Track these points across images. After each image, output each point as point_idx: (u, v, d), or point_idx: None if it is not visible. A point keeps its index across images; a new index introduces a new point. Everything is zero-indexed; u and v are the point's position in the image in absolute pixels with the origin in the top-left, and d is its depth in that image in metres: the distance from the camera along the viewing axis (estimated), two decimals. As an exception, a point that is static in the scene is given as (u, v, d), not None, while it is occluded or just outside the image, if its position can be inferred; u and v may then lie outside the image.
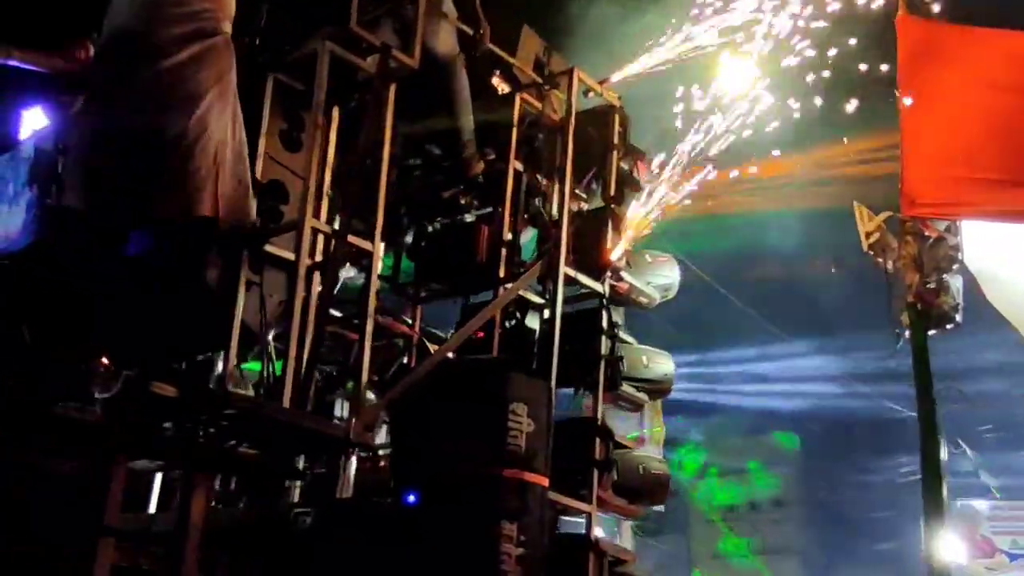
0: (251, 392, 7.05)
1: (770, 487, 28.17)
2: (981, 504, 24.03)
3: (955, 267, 9.76)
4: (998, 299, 9.92)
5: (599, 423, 8.00)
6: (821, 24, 9.58)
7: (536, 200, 8.49)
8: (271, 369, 6.93)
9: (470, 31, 8.06)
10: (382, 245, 8.54)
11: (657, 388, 8.70)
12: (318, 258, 7.20)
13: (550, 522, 7.74)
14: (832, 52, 9.79)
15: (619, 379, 8.22)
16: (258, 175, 7.00)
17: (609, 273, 8.34)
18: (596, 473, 7.88)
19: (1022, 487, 24.38)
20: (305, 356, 6.67)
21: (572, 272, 8.15)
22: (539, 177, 8.46)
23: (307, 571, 6.84)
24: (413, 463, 7.05)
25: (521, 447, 6.95)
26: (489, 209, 8.44)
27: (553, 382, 7.64)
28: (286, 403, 6.35)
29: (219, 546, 7.06)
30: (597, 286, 8.32)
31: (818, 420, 26.14)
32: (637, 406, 8.66)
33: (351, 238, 6.99)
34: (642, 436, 22.63)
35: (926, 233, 9.69)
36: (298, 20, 7.33)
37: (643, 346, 8.73)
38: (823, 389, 25.16)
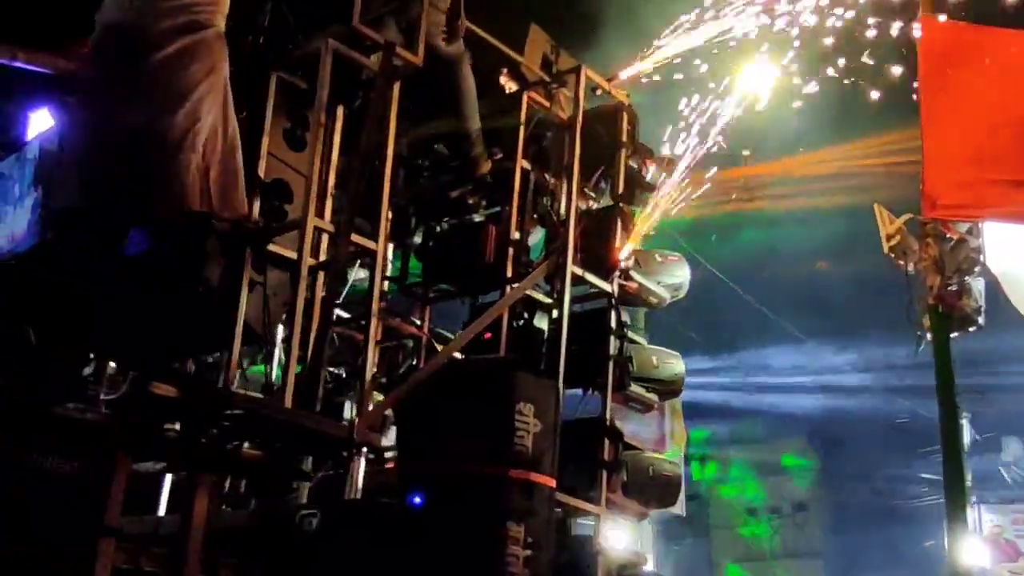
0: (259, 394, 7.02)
1: (792, 490, 28.02)
2: (1005, 507, 23.76)
3: (977, 269, 9.69)
4: (1021, 302, 9.85)
5: (608, 424, 7.91)
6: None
7: (545, 199, 8.41)
8: (272, 370, 6.85)
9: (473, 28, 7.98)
10: (389, 245, 8.57)
11: (668, 389, 8.61)
12: (323, 258, 7.16)
13: (560, 524, 7.70)
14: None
15: (628, 379, 8.13)
16: (261, 174, 6.97)
17: (618, 272, 8.25)
18: (605, 474, 7.78)
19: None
20: (309, 356, 6.62)
21: (580, 271, 8.08)
22: (547, 176, 8.38)
23: (312, 572, 6.80)
24: (419, 463, 6.98)
25: (528, 447, 6.87)
26: (497, 209, 8.37)
27: (561, 382, 7.56)
28: (288, 403, 6.29)
29: (225, 547, 7.04)
30: (605, 285, 8.25)
31: (840, 423, 25.95)
32: (647, 407, 8.56)
33: (355, 237, 6.93)
34: (663, 439, 22.58)
35: (948, 235, 9.62)
36: (302, 18, 7.29)
37: (653, 346, 8.64)
38: (845, 391, 25.00)
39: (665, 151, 8.86)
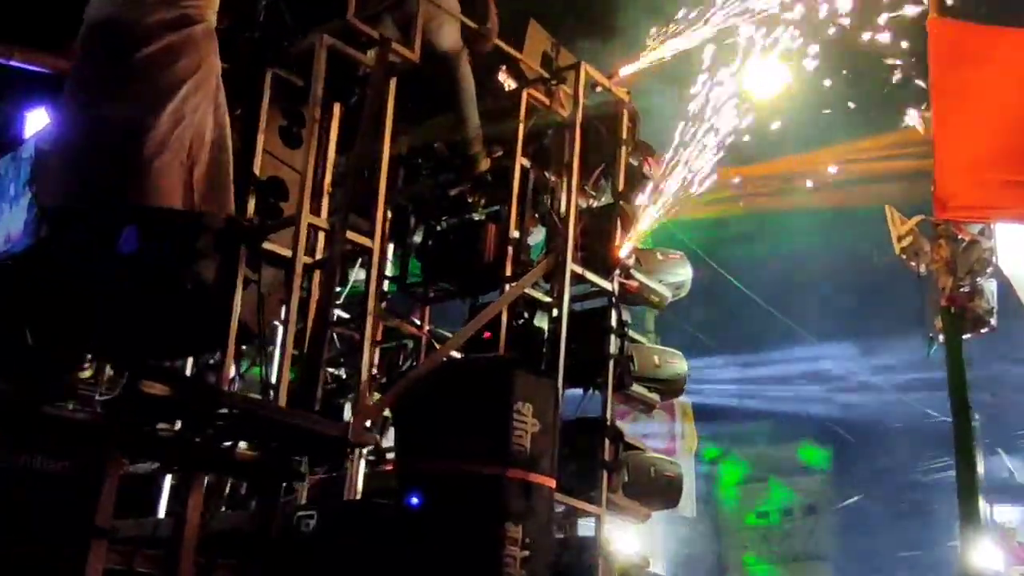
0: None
1: (802, 494, 27.88)
2: (1017, 510, 23.58)
3: (989, 270, 9.65)
4: (1034, 303, 9.82)
5: (609, 423, 7.83)
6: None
7: (545, 198, 8.35)
8: (273, 371, 6.78)
9: (475, 26, 7.91)
10: (388, 244, 8.52)
11: (670, 388, 8.52)
12: (320, 256, 7.10)
13: (560, 525, 7.63)
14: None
15: (629, 379, 8.06)
16: (257, 171, 6.92)
17: (618, 271, 8.17)
18: (605, 475, 7.70)
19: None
20: (306, 356, 6.56)
21: (580, 270, 8.01)
22: (547, 174, 8.31)
23: (310, 573, 6.74)
24: (416, 463, 6.92)
25: (526, 447, 6.81)
26: (497, 208, 8.31)
27: (560, 381, 7.49)
28: (282, 402, 6.23)
29: (223, 548, 6.98)
30: (606, 284, 8.17)
31: (850, 426, 25.83)
32: (649, 406, 8.48)
33: (351, 235, 6.87)
34: (674, 442, 22.50)
35: (959, 236, 9.58)
36: (298, 15, 7.23)
37: (655, 345, 8.57)
38: (856, 393, 24.89)
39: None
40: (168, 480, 7.84)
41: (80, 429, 5.96)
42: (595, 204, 8.52)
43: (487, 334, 7.91)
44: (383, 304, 8.54)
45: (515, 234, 8.02)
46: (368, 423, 7.92)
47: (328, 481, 7.93)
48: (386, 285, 8.63)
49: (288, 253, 6.72)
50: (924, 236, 9.83)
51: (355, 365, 7.69)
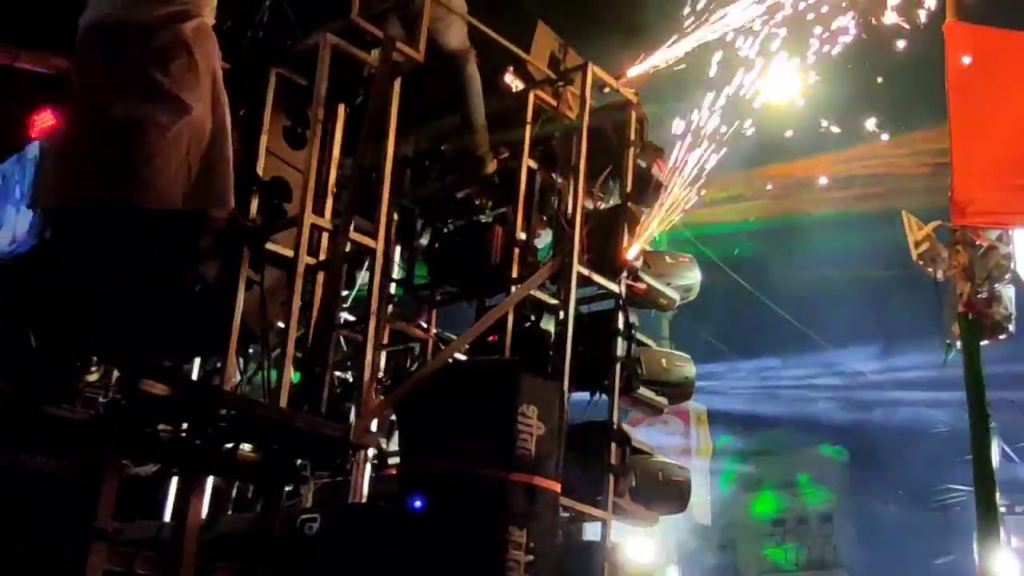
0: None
1: (818, 501, 27.75)
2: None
3: (1007, 276, 9.57)
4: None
5: (615, 427, 7.75)
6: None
7: (552, 200, 8.28)
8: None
9: (482, 26, 7.86)
10: (395, 247, 8.47)
11: (677, 392, 8.43)
12: (323, 257, 7.05)
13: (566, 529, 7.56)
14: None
15: (636, 382, 7.97)
16: (260, 172, 6.89)
17: (626, 273, 8.09)
18: (612, 479, 7.62)
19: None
20: (308, 357, 6.51)
21: (586, 272, 7.93)
22: (554, 176, 8.24)
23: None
24: (419, 465, 6.86)
25: (530, 451, 6.75)
26: (504, 210, 8.24)
27: (566, 384, 7.42)
28: (283, 403, 6.17)
29: (226, 552, 6.94)
30: (613, 286, 8.09)
31: (866, 432, 25.71)
32: (656, 410, 8.40)
33: (354, 235, 6.83)
34: (688, 450, 22.38)
35: (977, 242, 9.51)
36: (302, 15, 7.20)
37: (663, 348, 8.49)
38: (872, 400, 24.76)
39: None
40: (174, 483, 7.81)
41: (80, 429, 5.93)
42: (603, 206, 8.44)
43: (493, 337, 7.84)
44: (390, 307, 8.50)
45: (522, 236, 7.95)
46: (374, 426, 7.93)
47: (333, 485, 7.88)
48: (393, 288, 8.57)
49: (289, 253, 6.67)
50: (941, 242, 9.75)
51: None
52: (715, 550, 26.45)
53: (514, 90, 8.38)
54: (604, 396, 7.98)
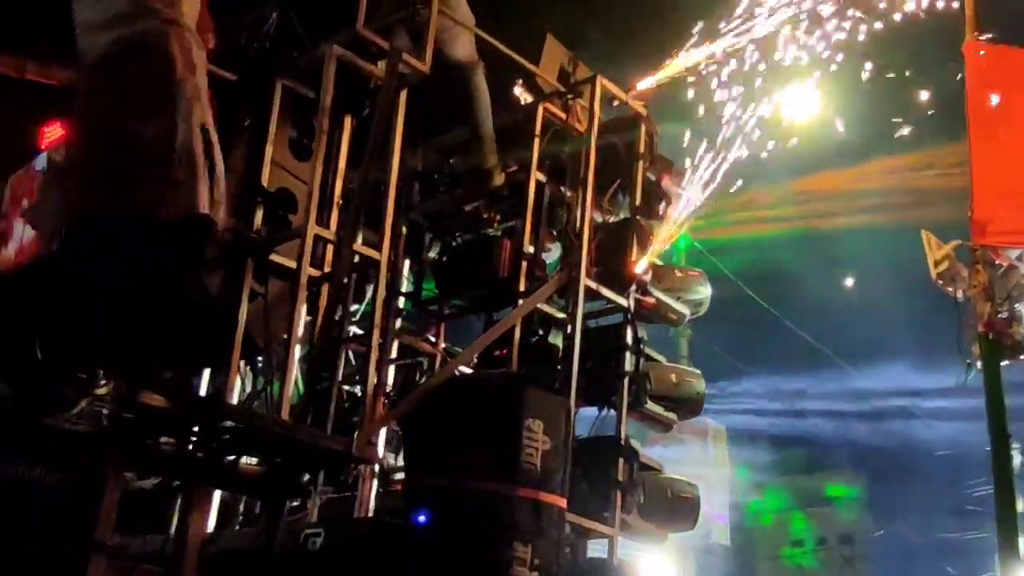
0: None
1: (839, 521, 27.53)
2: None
3: (1029, 296, 9.48)
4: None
5: (624, 442, 7.67)
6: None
7: (561, 213, 8.23)
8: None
9: (489, 38, 7.83)
10: (404, 260, 8.43)
11: (687, 408, 8.34)
12: (328, 269, 7.01)
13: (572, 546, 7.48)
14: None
15: (645, 397, 7.89)
16: (265, 183, 6.86)
17: (634, 287, 8.02)
18: (619, 495, 7.53)
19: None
20: (309, 370, 6.47)
21: (594, 285, 7.86)
22: (563, 189, 8.19)
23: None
24: (423, 480, 6.80)
25: (536, 465, 6.67)
26: (512, 223, 8.19)
27: (573, 399, 7.35)
28: (284, 416, 6.12)
29: (231, 567, 6.89)
30: (621, 300, 8.02)
31: (888, 452, 25.50)
32: (666, 426, 8.30)
33: (359, 247, 6.78)
34: (706, 469, 22.26)
35: (997, 261, 9.44)
36: (309, 27, 7.19)
37: (673, 364, 8.40)
38: (892, 420, 24.58)
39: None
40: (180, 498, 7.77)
41: (80, 441, 5.89)
42: (612, 219, 8.38)
43: (503, 351, 7.78)
44: (399, 321, 8.46)
45: (530, 249, 7.89)
46: (381, 440, 7.88)
47: (340, 500, 7.83)
48: (402, 302, 8.53)
49: (293, 264, 6.63)
50: (961, 261, 9.67)
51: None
52: (734, 571, 26.24)
53: (523, 103, 8.34)
54: (612, 411, 7.91)
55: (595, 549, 7.81)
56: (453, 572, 6.42)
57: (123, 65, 5.86)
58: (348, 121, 7.17)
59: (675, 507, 7.97)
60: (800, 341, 22.21)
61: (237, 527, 7.86)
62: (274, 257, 6.77)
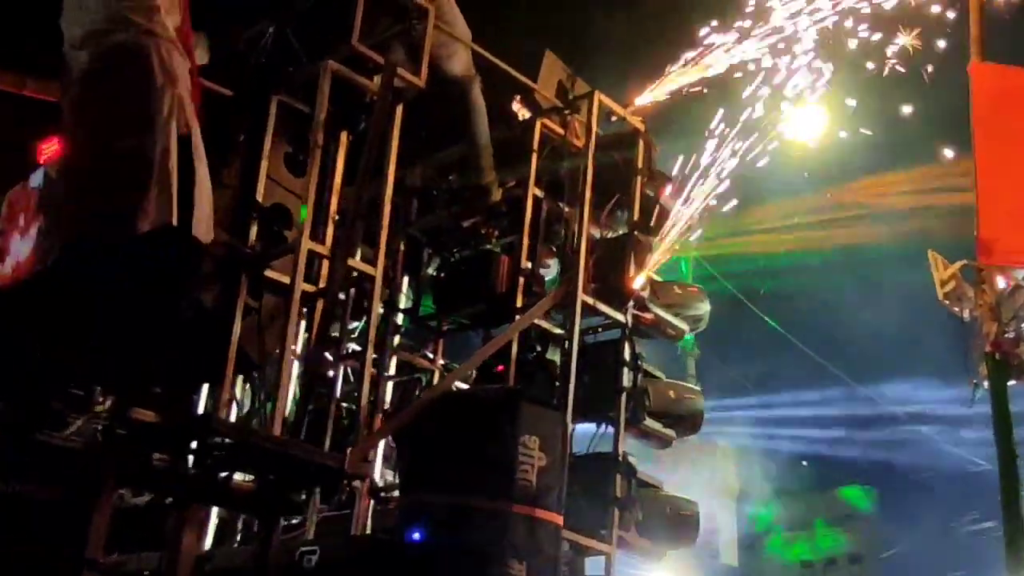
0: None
1: (847, 541, 27.33)
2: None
3: (1035, 316, 9.41)
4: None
5: (621, 459, 7.62)
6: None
7: (559, 229, 8.21)
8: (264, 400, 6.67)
9: (485, 53, 7.82)
10: (403, 277, 8.41)
11: (687, 425, 8.29)
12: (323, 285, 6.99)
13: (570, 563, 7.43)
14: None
15: (643, 413, 7.84)
16: (260, 198, 6.85)
17: (632, 303, 7.98)
18: (616, 512, 7.48)
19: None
20: (301, 385, 6.45)
21: (591, 301, 7.82)
22: (561, 205, 8.17)
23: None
24: (418, 496, 6.75)
25: (532, 482, 6.63)
26: (511, 239, 8.17)
27: (569, 415, 7.30)
28: (276, 431, 6.09)
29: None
30: (619, 315, 7.97)
31: (896, 471, 25.33)
32: (665, 443, 8.25)
33: (354, 262, 6.76)
34: (714, 487, 22.17)
35: (1004, 282, 9.40)
36: (306, 42, 7.19)
37: (672, 380, 8.35)
38: (901, 439, 24.42)
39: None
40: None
41: (72, 457, 5.86)
42: (611, 235, 8.35)
43: (500, 367, 7.75)
44: (396, 337, 8.43)
45: (528, 265, 7.87)
46: (379, 457, 7.84)
47: (337, 518, 7.78)
48: (400, 318, 8.51)
49: (288, 280, 6.61)
50: (967, 281, 9.63)
51: (369, 399, 7.59)
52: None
53: (521, 119, 8.33)
54: (611, 428, 7.86)
55: (593, 567, 7.77)
56: (447, 589, 6.38)
57: (101, 79, 5.87)
58: (344, 136, 7.15)
59: (674, 524, 7.91)
60: (810, 360, 22.12)
61: (236, 544, 7.83)
62: (269, 273, 6.75)
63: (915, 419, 24.12)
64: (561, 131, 8.26)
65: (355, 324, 7.96)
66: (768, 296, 20.95)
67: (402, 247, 8.31)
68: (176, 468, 6.13)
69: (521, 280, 7.78)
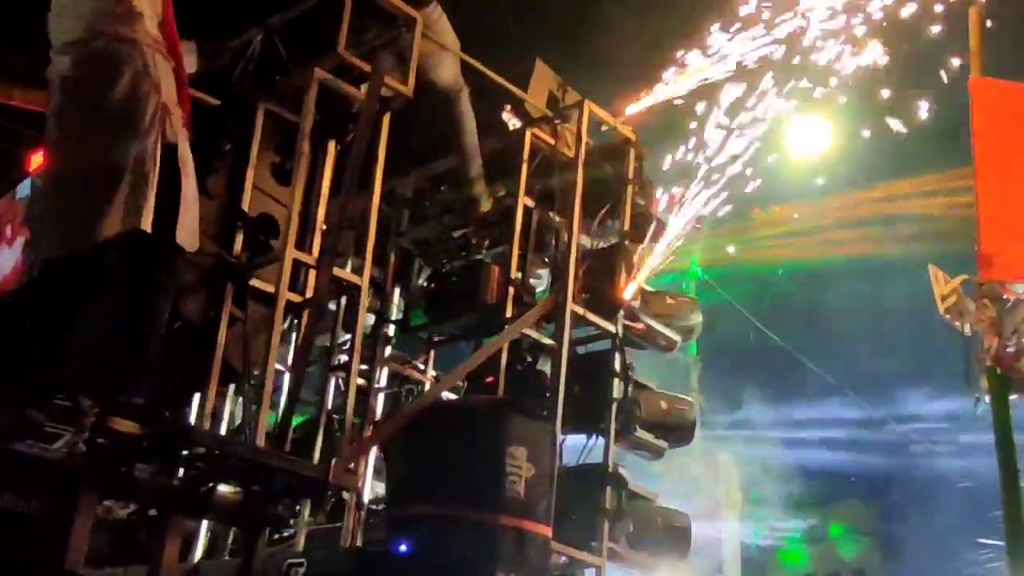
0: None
1: (851, 554, 27.21)
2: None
3: (1036, 331, 9.36)
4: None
5: (611, 470, 7.55)
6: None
7: (550, 239, 8.15)
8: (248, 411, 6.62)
9: (474, 62, 7.79)
10: (393, 285, 8.37)
11: (679, 436, 8.22)
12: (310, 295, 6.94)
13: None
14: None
15: (634, 424, 7.77)
16: (246, 207, 6.81)
17: (623, 313, 7.92)
18: (606, 523, 7.40)
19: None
20: (286, 396, 6.39)
21: (581, 310, 7.76)
22: (552, 214, 8.12)
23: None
24: (404, 508, 6.69)
25: (520, 493, 6.56)
26: (501, 249, 8.12)
27: (558, 425, 7.23)
28: (259, 442, 6.03)
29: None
30: (609, 325, 7.91)
31: (900, 485, 25.22)
32: (656, 454, 8.18)
33: (339, 272, 6.71)
34: (718, 503, 22.03)
35: (1004, 296, 9.36)
36: (293, 50, 7.16)
37: (663, 391, 8.28)
38: (903, 452, 24.31)
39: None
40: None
41: (48, 467, 5.79)
42: (601, 245, 8.29)
43: (491, 378, 7.69)
44: (388, 348, 8.39)
45: (518, 275, 7.81)
46: (370, 469, 7.78)
47: (327, 530, 7.73)
48: (391, 329, 8.45)
49: (273, 289, 6.56)
50: (968, 296, 9.59)
51: (359, 410, 7.54)
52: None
53: (510, 128, 8.29)
54: (598, 437, 7.80)
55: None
56: (434, 602, 6.31)
57: (81, 87, 5.83)
58: (331, 145, 7.11)
59: (666, 536, 7.83)
60: (812, 373, 22.05)
61: (227, 556, 7.77)
62: (255, 282, 6.71)
63: (920, 432, 24.02)
64: (552, 141, 8.20)
65: (347, 336, 7.92)
66: (774, 307, 20.89)
67: (392, 257, 8.27)
68: (157, 479, 6.06)
69: (511, 290, 7.70)
